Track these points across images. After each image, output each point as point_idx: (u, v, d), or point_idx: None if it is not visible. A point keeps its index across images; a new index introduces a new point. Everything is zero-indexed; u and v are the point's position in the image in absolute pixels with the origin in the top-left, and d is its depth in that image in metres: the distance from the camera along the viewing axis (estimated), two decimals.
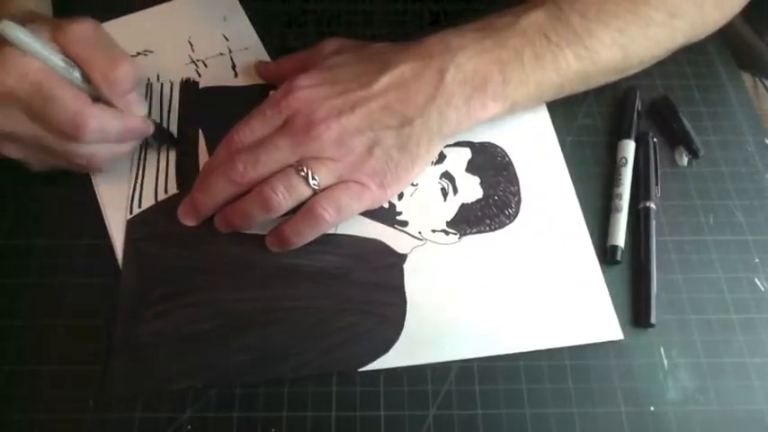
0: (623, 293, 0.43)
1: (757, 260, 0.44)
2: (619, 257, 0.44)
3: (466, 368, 0.40)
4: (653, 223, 0.45)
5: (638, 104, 0.50)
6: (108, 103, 0.41)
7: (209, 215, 0.44)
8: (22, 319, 0.41)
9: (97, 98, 0.41)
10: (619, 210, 0.45)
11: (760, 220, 0.46)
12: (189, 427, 0.38)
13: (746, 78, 0.58)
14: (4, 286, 0.42)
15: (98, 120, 0.40)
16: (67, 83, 0.40)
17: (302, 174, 0.41)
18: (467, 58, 0.43)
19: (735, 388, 0.40)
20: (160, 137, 0.47)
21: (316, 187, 0.41)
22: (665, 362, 0.41)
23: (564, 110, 0.50)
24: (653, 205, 0.45)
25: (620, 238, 0.44)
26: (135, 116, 0.43)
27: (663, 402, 0.39)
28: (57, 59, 0.39)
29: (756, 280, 0.44)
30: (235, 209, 0.42)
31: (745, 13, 0.51)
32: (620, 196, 0.46)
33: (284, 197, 0.41)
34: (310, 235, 0.42)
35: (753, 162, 0.49)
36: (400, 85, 0.43)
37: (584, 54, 0.45)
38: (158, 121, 0.48)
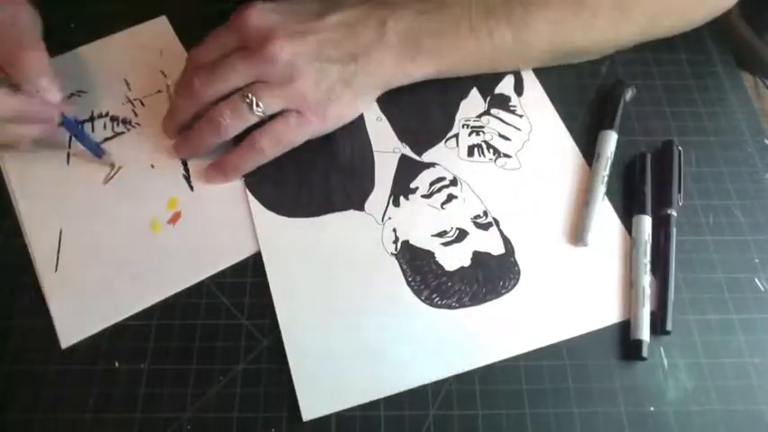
0: None
1: (757, 260, 0.44)
2: (645, 354, 0.40)
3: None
4: (673, 231, 0.44)
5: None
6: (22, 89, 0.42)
7: (177, 132, 0.47)
8: (22, 319, 0.41)
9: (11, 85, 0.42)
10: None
11: (760, 220, 0.46)
12: (189, 427, 0.38)
13: (746, 78, 0.58)
14: (3, 286, 0.42)
15: None
16: None
17: (247, 101, 0.43)
18: (405, 15, 0.46)
19: (735, 388, 0.40)
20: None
21: (260, 113, 0.44)
22: (665, 362, 0.41)
23: (565, 111, 0.50)
24: (674, 213, 0.45)
25: (644, 332, 0.41)
26: (34, 99, 0.43)
27: (663, 402, 0.39)
28: None
29: (756, 280, 0.44)
30: (188, 135, 0.46)
31: (746, 13, 0.51)
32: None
33: (231, 121, 0.44)
34: (250, 166, 0.46)
35: (753, 162, 0.48)
36: (348, 25, 0.46)
37: (523, 30, 0.47)
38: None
